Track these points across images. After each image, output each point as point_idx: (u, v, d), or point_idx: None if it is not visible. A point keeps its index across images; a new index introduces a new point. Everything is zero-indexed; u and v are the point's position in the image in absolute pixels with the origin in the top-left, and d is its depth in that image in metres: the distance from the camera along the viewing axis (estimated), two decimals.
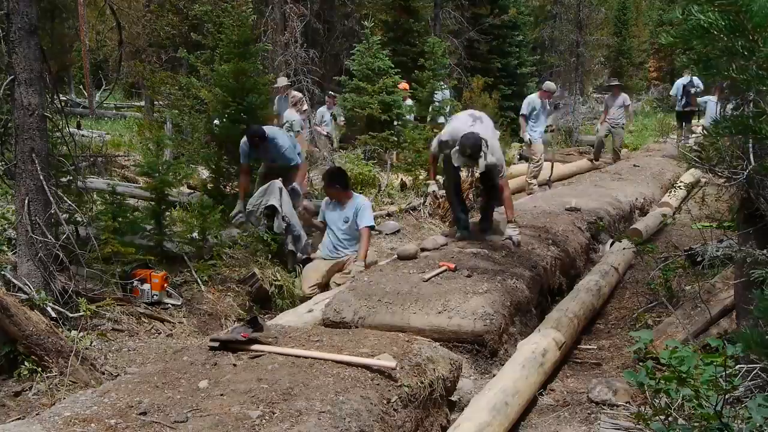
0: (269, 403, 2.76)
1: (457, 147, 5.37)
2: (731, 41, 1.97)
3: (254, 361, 3.22)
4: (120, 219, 5.48)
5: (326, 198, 6.29)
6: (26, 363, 3.80)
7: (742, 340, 2.29)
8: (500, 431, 3.28)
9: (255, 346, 3.36)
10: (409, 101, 11.73)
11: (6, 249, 5.30)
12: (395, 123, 11.04)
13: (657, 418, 2.46)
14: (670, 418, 2.48)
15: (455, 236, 5.96)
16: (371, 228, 5.98)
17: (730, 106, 3.99)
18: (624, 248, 6.11)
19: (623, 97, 12.64)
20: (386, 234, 7.57)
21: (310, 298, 5.45)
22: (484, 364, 4.27)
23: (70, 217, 4.96)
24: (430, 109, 11.17)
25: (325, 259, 6.03)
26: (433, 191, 6.56)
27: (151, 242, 5.78)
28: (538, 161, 10.55)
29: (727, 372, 2.25)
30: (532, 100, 10.61)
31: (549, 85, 10.98)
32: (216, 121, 7.63)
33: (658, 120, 17.72)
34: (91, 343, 4.44)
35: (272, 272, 5.96)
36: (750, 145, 3.09)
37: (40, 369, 3.82)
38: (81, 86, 21.00)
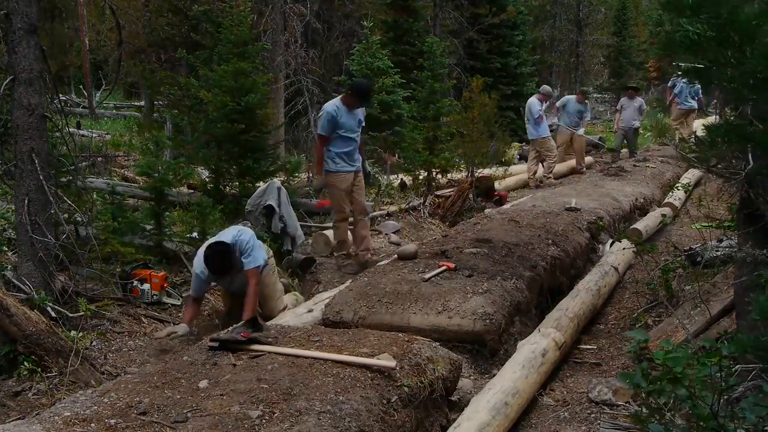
0: (269, 403, 2.76)
1: None
2: (720, 52, 1.97)
3: (254, 361, 3.22)
4: (120, 219, 5.49)
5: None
6: (26, 363, 3.79)
7: (736, 344, 2.29)
8: (500, 431, 3.29)
9: (255, 346, 3.36)
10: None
11: (6, 249, 5.30)
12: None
13: (653, 418, 2.46)
14: (665, 419, 2.47)
15: None
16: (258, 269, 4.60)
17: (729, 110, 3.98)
18: (624, 248, 6.11)
19: (639, 101, 12.65)
20: (386, 233, 7.58)
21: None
22: (484, 364, 4.28)
23: (70, 217, 4.97)
24: None
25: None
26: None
27: (151, 242, 5.78)
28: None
29: (723, 372, 2.24)
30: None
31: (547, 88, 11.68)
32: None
33: (657, 120, 17.70)
34: (91, 343, 4.44)
35: None
36: (749, 145, 3.09)
37: (40, 369, 3.82)
38: (81, 86, 20.97)
